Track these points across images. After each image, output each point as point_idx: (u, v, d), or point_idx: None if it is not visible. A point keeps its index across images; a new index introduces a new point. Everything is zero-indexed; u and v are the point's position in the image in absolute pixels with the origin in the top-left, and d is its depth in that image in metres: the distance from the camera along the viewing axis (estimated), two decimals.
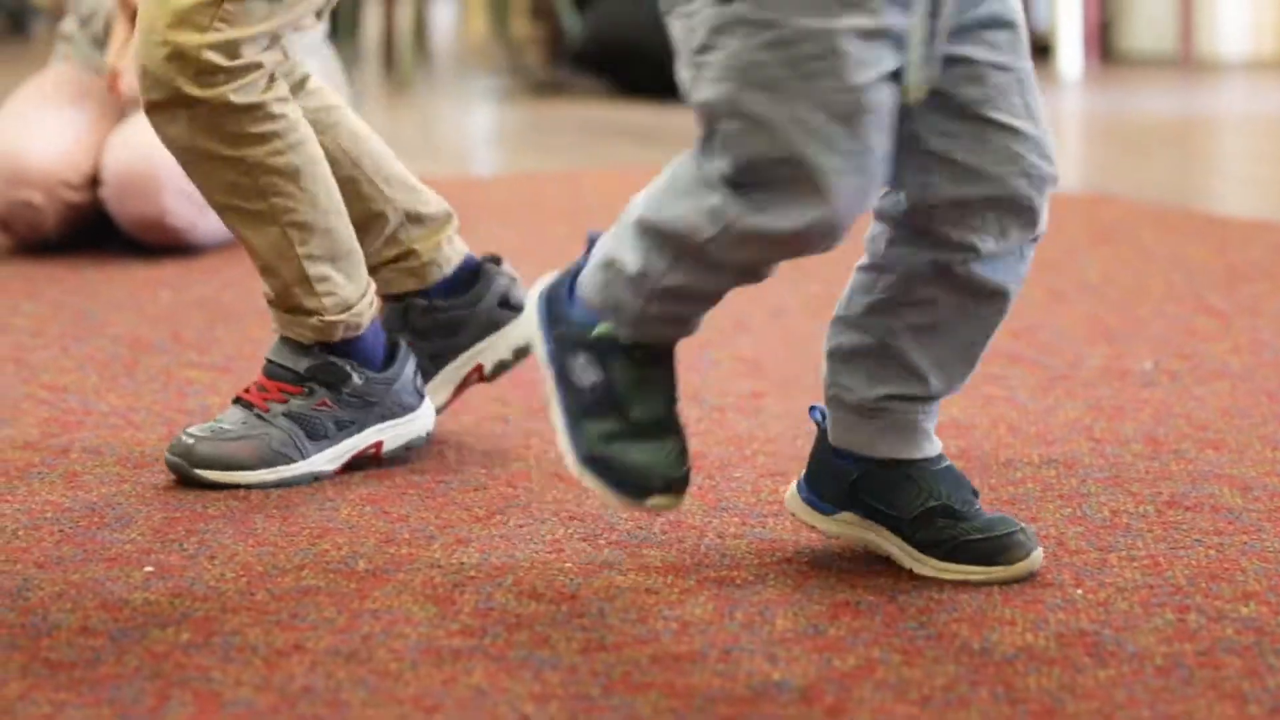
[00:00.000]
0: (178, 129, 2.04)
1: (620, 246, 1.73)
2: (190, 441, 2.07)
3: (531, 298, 1.82)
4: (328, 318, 2.12)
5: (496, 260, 2.32)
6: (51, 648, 1.63)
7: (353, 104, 3.57)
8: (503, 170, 4.71)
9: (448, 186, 4.19)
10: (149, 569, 1.83)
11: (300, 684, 1.56)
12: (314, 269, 2.10)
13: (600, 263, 1.75)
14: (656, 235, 1.70)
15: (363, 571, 1.82)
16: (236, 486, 2.06)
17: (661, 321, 1.75)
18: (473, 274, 2.28)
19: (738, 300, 3.02)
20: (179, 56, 2.00)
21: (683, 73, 1.68)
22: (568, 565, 1.84)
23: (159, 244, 3.35)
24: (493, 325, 2.27)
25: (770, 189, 1.64)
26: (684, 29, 1.66)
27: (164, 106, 2.03)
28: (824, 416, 1.87)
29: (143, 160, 3.29)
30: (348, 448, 2.13)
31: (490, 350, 2.28)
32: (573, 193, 4.07)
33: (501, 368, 2.29)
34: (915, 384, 1.82)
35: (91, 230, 3.42)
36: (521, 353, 2.28)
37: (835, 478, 1.85)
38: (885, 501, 1.82)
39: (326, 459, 2.11)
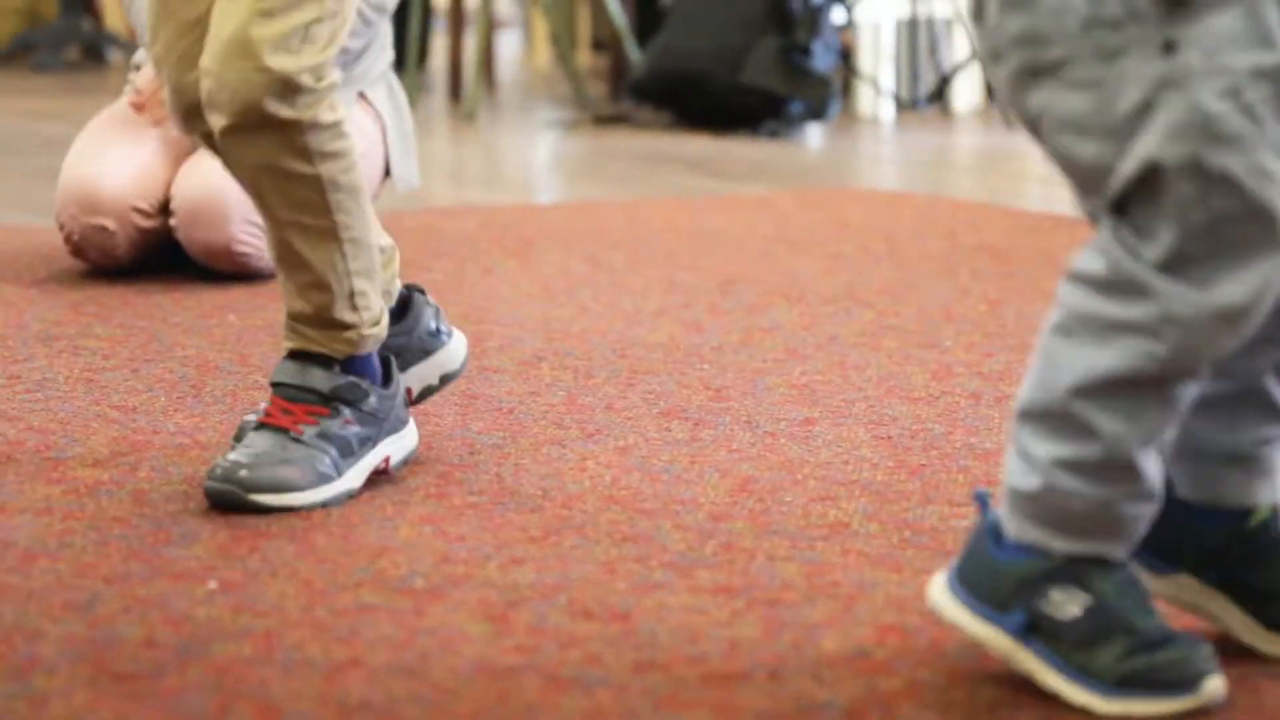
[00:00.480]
0: (257, 150, 2.05)
1: (1034, 460, 1.55)
2: (241, 470, 2.07)
3: (939, 601, 1.62)
4: (364, 331, 2.14)
5: (421, 290, 2.36)
6: (117, 660, 1.66)
7: (415, 134, 3.60)
8: (564, 198, 4.73)
9: (511, 214, 4.22)
10: (212, 585, 1.85)
11: (358, 698, 1.58)
12: (358, 284, 2.12)
13: (1026, 491, 1.56)
14: (1080, 408, 1.52)
15: (420, 589, 1.84)
16: (289, 509, 2.08)
17: (1124, 499, 1.55)
18: (404, 303, 2.33)
19: (793, 327, 3.05)
20: (277, 82, 2.01)
21: (1085, 147, 1.51)
22: (620, 585, 1.86)
23: (226, 270, 3.38)
24: (424, 352, 2.33)
25: (1219, 256, 1.48)
26: (1091, 98, 1.50)
27: (246, 129, 2.03)
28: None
29: (212, 190, 3.33)
30: (369, 463, 2.17)
31: (418, 376, 2.32)
32: (632, 221, 4.09)
33: (428, 392, 2.35)
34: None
35: (161, 256, 3.45)
36: (447, 378, 2.35)
37: (1184, 536, 1.66)
38: (1242, 572, 1.65)
39: (355, 475, 2.15)
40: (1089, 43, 1.50)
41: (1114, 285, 1.51)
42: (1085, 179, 1.54)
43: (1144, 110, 1.49)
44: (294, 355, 2.16)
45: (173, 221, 3.38)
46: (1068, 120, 1.52)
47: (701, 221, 4.11)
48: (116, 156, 3.42)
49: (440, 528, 2.03)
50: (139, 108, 3.42)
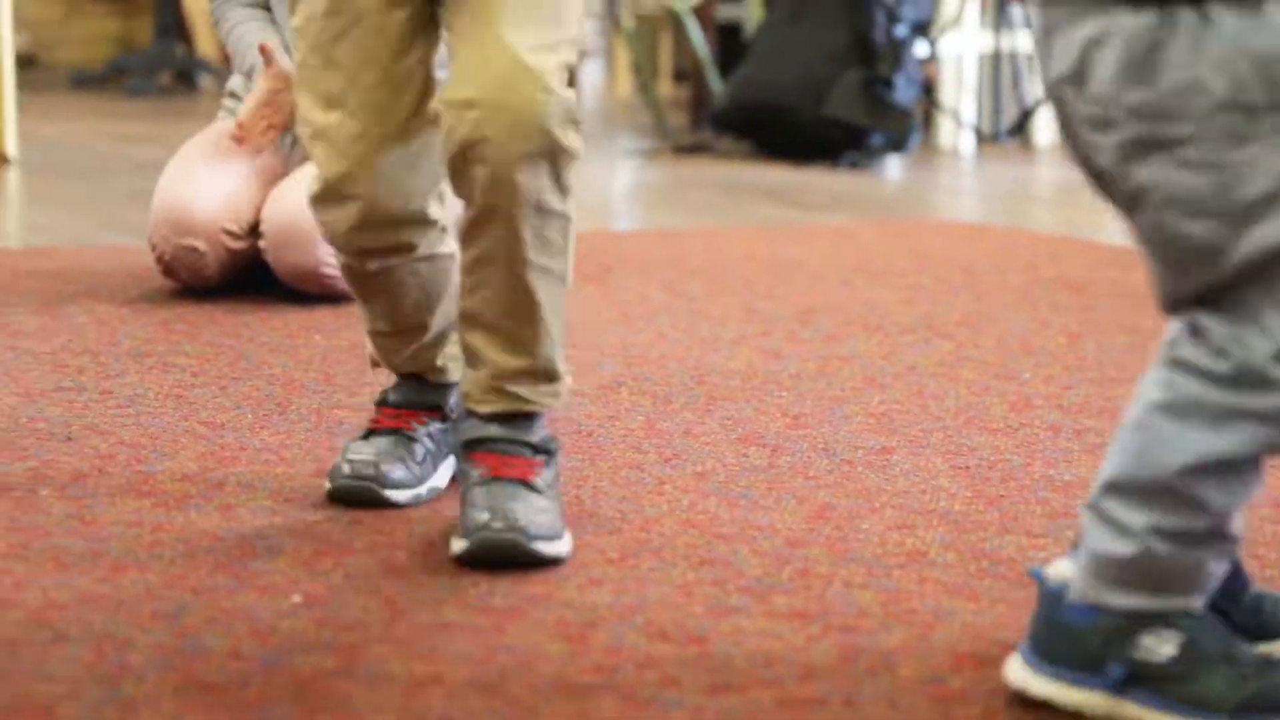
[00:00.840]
0: (538, 181, 1.97)
1: (1127, 528, 1.55)
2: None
3: (1022, 680, 1.61)
4: (570, 384, 2.12)
5: None
6: (204, 670, 1.67)
7: None
8: (643, 226, 4.74)
9: (591, 240, 4.23)
10: (296, 598, 1.87)
11: (438, 713, 1.59)
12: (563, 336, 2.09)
13: (1116, 557, 1.56)
14: (1189, 485, 1.53)
15: (499, 608, 1.85)
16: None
17: (1216, 557, 1.56)
18: None
19: (871, 356, 3.04)
20: (563, 107, 1.96)
21: (1197, 226, 1.49)
22: (697, 609, 1.86)
23: (312, 292, 3.41)
24: None
25: None
26: (1211, 180, 1.48)
27: (537, 157, 1.96)
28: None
29: (301, 214, 3.36)
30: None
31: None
32: (711, 249, 4.10)
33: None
34: None
35: (248, 276, 3.49)
36: None
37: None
38: None
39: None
40: (1219, 125, 1.49)
41: (1231, 377, 1.51)
42: (1188, 257, 1.52)
43: (1270, 200, 1.48)
44: (492, 417, 2.06)
45: (262, 243, 3.42)
46: (1181, 198, 1.50)
47: (780, 250, 4.11)
48: (208, 180, 3.46)
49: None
50: (240, 141, 3.44)
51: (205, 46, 8.67)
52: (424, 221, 2.14)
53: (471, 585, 1.92)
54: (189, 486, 2.25)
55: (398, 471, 2.18)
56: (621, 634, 1.78)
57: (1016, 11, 6.33)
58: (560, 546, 1.99)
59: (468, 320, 2.06)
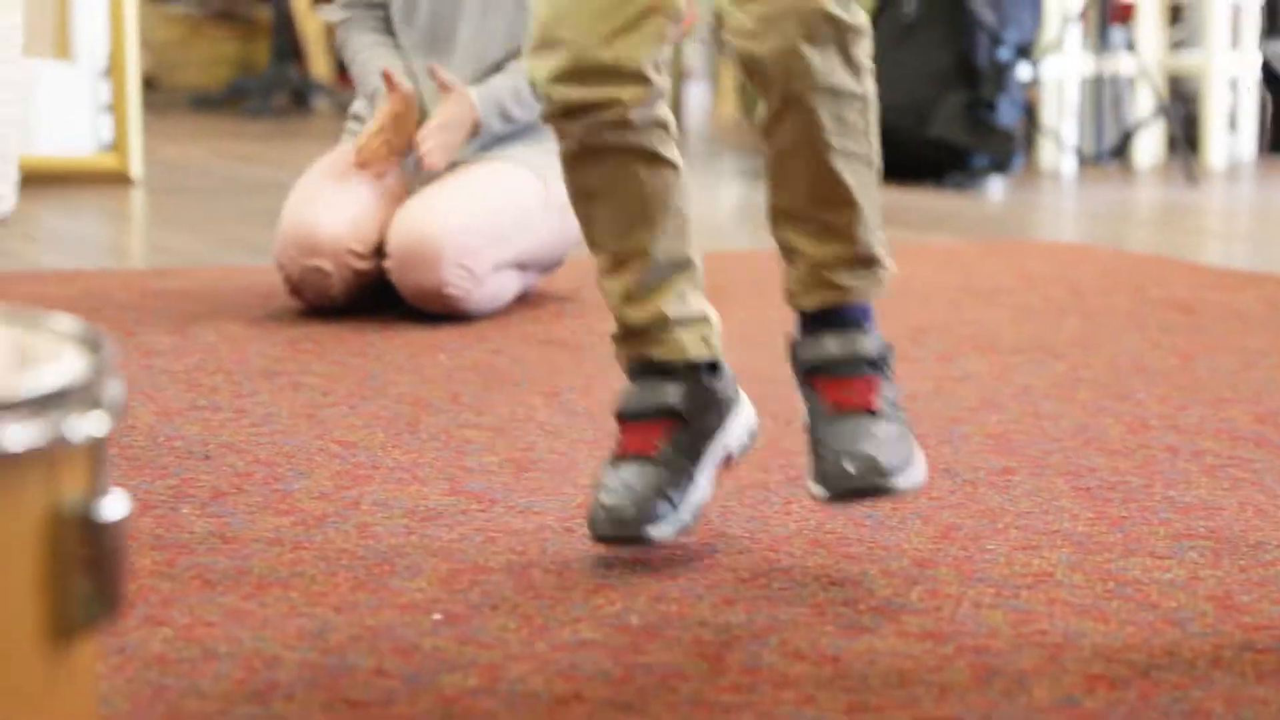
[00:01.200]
0: (828, 63, 1.90)
1: None
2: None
3: None
4: (891, 269, 2.01)
5: None
6: (350, 687, 1.67)
7: None
8: (753, 246, 4.73)
9: (705, 261, 4.21)
10: (436, 616, 1.86)
11: None
12: (881, 219, 1.99)
13: None
14: None
15: (636, 627, 1.84)
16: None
17: None
18: None
19: (985, 377, 3.02)
20: None
21: None
22: (829, 628, 1.85)
23: (436, 311, 3.42)
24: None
25: None
26: None
27: (821, 40, 1.90)
28: None
29: (425, 235, 3.38)
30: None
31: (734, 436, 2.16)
32: None
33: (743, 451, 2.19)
34: None
35: (373, 296, 3.50)
36: (753, 435, 2.20)
37: None
38: None
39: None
40: None
41: None
42: None
43: None
44: (821, 318, 2.00)
45: (387, 264, 3.44)
46: None
47: None
48: (333, 202, 3.48)
49: (652, 567, 2.04)
50: (361, 164, 3.47)
51: (319, 69, 8.73)
52: (638, 77, 1.97)
53: (607, 604, 1.91)
54: (326, 505, 2.25)
55: (655, 508, 2.03)
56: (757, 653, 1.77)
57: (1118, 35, 6.27)
58: (915, 475, 1.97)
59: (779, 217, 1.99)
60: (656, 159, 2.03)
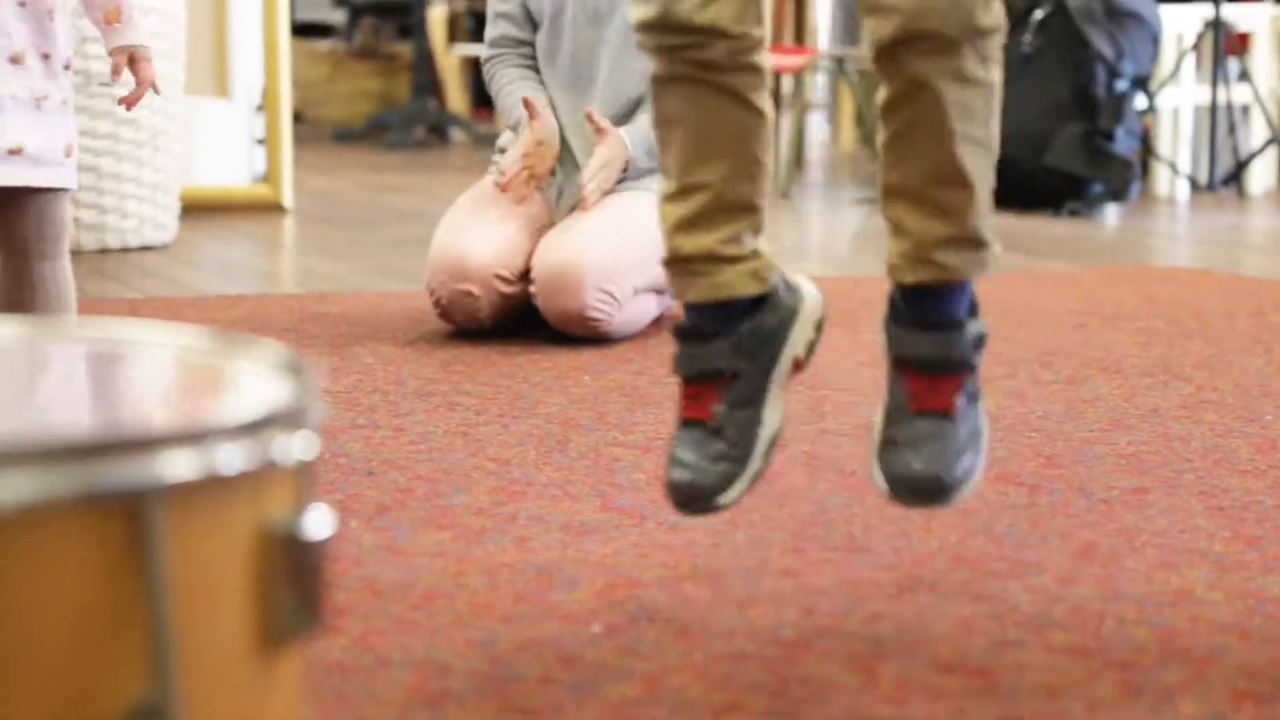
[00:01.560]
0: (951, 60, 1.86)
1: None
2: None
3: None
4: (997, 251, 1.96)
5: None
6: (519, 695, 1.68)
7: None
8: (877, 273, 4.71)
9: (833, 286, 4.21)
10: (596, 628, 1.87)
11: None
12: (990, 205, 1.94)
13: None
14: None
15: (789, 639, 1.84)
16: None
17: None
18: None
19: (1114, 399, 2.98)
20: None
21: None
22: (977, 642, 1.83)
23: (578, 334, 3.44)
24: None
25: None
26: None
27: (959, 41, 1.86)
28: None
29: (569, 262, 3.40)
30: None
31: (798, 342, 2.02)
32: None
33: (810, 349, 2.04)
34: None
35: (519, 319, 3.52)
36: (819, 327, 2.07)
37: None
38: None
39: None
40: None
41: None
42: None
43: None
44: (918, 297, 1.93)
45: (532, 289, 3.46)
46: None
47: (1011, 296, 4.05)
48: (481, 230, 3.50)
49: (802, 581, 2.03)
50: (504, 188, 3.50)
51: (456, 103, 8.80)
52: (729, 35, 1.90)
53: (760, 616, 1.90)
54: (484, 520, 2.26)
55: (720, 478, 1.92)
56: (909, 666, 1.76)
57: (1232, 66, 6.20)
58: (973, 478, 1.90)
59: (891, 194, 1.93)
60: (741, 100, 1.95)
